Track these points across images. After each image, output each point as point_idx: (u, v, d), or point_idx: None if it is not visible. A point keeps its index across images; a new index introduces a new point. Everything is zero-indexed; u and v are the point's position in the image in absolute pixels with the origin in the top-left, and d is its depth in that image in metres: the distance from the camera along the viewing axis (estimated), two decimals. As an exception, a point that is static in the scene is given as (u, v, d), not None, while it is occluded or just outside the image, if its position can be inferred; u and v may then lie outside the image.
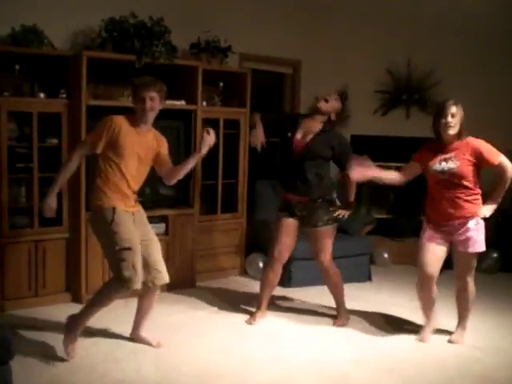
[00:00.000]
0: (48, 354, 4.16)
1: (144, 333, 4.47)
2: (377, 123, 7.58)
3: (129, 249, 4.02)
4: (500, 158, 4.44)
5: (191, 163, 4.40)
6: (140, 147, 4.21)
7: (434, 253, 4.59)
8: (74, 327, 4.17)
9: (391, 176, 4.73)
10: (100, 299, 4.16)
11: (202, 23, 6.18)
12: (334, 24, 7.55)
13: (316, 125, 4.90)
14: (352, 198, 4.98)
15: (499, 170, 4.45)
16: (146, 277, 4.25)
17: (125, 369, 4.01)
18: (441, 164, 4.45)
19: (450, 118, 4.39)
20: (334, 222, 4.92)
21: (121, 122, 4.17)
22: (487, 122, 7.04)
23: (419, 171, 4.65)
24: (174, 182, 4.49)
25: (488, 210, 4.50)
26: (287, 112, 4.96)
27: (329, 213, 4.87)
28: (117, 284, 4.08)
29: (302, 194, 4.89)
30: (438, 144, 4.52)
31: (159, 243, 4.41)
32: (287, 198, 4.97)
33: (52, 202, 4.20)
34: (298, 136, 4.88)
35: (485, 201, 4.53)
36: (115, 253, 4.04)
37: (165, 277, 4.36)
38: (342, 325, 5.04)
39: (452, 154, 4.43)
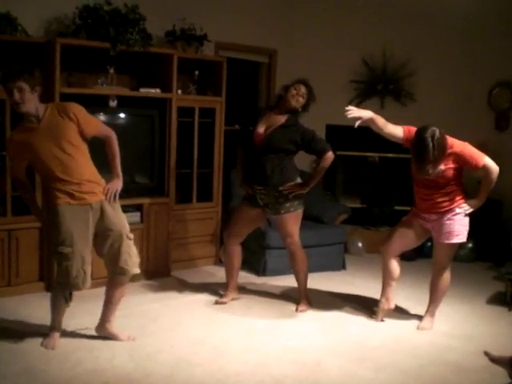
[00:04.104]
0: (21, 344, 4.14)
1: (113, 328, 4.34)
2: (352, 113, 7.58)
3: (65, 254, 3.94)
4: (484, 161, 4.44)
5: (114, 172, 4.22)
6: (47, 139, 3.90)
7: (402, 235, 4.76)
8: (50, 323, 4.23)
9: (394, 131, 4.55)
10: (51, 301, 4.19)
11: (177, 11, 6.13)
12: (310, 13, 7.55)
13: (280, 118, 4.95)
14: (310, 181, 5.00)
15: (484, 172, 4.48)
16: (112, 268, 4.19)
17: (98, 357, 4.00)
18: None
19: (431, 170, 4.29)
20: (296, 208, 4.99)
21: (16, 136, 4.01)
22: (460, 113, 7.11)
23: (399, 138, 4.55)
24: None
25: (471, 205, 4.55)
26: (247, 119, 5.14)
27: (290, 200, 4.94)
28: (55, 287, 4.16)
29: (261, 184, 4.96)
30: None
31: (123, 233, 4.14)
32: (249, 187, 5.05)
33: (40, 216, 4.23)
34: (260, 129, 4.95)
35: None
36: (55, 254, 4.04)
37: (132, 268, 4.19)
38: (304, 310, 5.12)
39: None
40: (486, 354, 4.28)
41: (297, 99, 4.91)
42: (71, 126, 3.97)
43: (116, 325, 4.37)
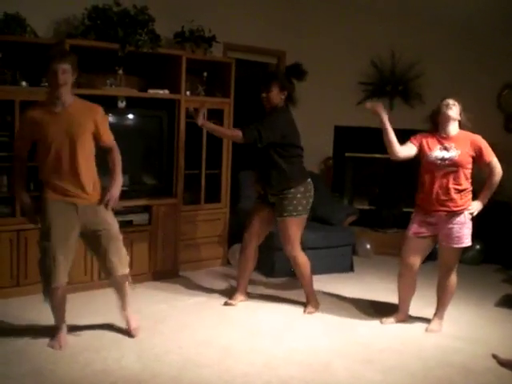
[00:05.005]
0: (28, 344, 4.15)
1: (129, 314, 4.45)
2: (361, 114, 7.55)
3: (44, 248, 3.99)
4: (493, 159, 4.54)
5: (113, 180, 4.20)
6: (63, 126, 3.95)
7: (417, 247, 4.68)
8: (55, 324, 4.25)
9: (408, 150, 4.67)
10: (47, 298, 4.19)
11: (186, 12, 6.16)
12: (319, 15, 7.55)
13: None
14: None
15: (489, 170, 4.55)
16: (102, 267, 4.27)
17: (106, 358, 4.01)
18: (441, 152, 4.53)
19: (451, 102, 4.52)
20: (299, 213, 4.93)
21: (32, 113, 4.01)
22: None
23: (413, 154, 4.66)
24: None
25: (476, 207, 4.58)
26: None
27: (287, 205, 4.89)
28: (41, 280, 4.13)
29: (266, 186, 4.98)
30: (437, 135, 4.61)
31: (115, 234, 4.19)
32: (261, 188, 5.07)
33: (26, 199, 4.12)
34: None
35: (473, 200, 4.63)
36: (39, 244, 4.06)
37: (118, 268, 4.22)
38: (312, 312, 5.11)
39: (452, 144, 4.52)
40: (495, 356, 4.29)
41: (266, 99, 4.91)
42: (89, 128, 4.05)
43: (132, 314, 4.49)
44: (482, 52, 7.25)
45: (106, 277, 4.37)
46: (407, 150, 4.65)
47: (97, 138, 4.12)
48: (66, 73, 3.90)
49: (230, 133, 5.00)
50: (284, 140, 4.86)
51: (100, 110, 4.16)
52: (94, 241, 4.16)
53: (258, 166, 5.02)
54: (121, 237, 4.25)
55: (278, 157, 4.88)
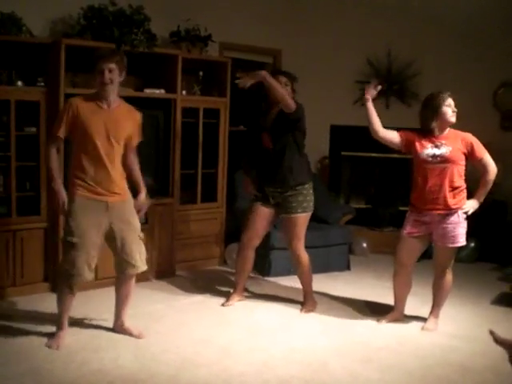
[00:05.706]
0: (25, 344, 4.13)
1: (126, 323, 4.43)
2: (357, 113, 7.57)
3: (73, 244, 3.98)
4: (485, 155, 4.54)
5: (141, 185, 4.43)
6: (106, 125, 4.03)
7: (411, 247, 4.70)
8: (57, 323, 4.22)
9: (391, 135, 4.69)
10: (57, 296, 4.19)
11: (182, 12, 6.15)
12: (315, 13, 7.56)
13: (276, 110, 4.92)
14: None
15: (482, 168, 4.54)
16: (117, 265, 4.26)
17: (103, 358, 3.99)
18: (433, 149, 4.52)
19: (453, 106, 4.52)
20: (309, 210, 4.95)
21: (79, 102, 4.04)
22: (465, 113, 7.08)
23: (396, 143, 4.67)
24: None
25: (471, 206, 4.57)
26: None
27: (302, 201, 4.90)
28: (58, 277, 4.16)
29: (276, 184, 4.95)
30: (427, 133, 4.59)
31: (136, 232, 4.28)
32: (262, 187, 5.03)
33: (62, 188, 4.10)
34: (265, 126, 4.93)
35: (469, 199, 4.62)
36: (63, 243, 4.08)
37: (139, 265, 4.29)
38: (309, 311, 5.10)
39: (443, 141, 4.52)
40: (491, 333, 4.28)
41: (286, 88, 4.86)
42: (129, 130, 4.20)
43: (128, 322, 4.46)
44: (477, 51, 7.25)
45: (120, 275, 4.32)
46: (389, 134, 4.67)
47: (127, 140, 4.22)
48: (112, 72, 4.01)
49: (288, 97, 4.70)
50: (300, 123, 4.89)
51: (138, 114, 4.32)
52: (118, 237, 4.17)
53: (269, 165, 4.96)
54: (142, 235, 4.34)
55: (296, 145, 4.88)
